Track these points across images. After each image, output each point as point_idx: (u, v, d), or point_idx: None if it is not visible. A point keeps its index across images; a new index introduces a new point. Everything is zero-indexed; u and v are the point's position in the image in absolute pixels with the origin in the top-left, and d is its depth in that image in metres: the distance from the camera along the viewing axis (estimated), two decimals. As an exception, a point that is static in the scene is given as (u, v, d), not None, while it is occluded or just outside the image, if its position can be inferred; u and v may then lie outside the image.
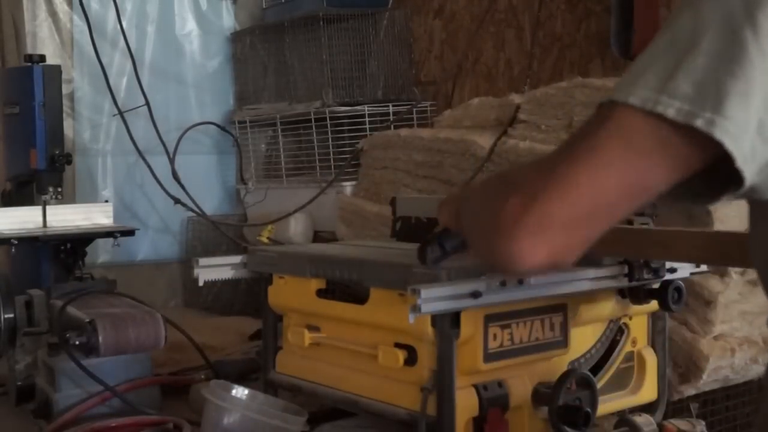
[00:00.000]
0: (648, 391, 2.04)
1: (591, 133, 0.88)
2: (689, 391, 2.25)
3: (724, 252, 1.56)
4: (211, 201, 4.36)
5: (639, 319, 2.02)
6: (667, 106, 0.83)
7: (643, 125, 0.85)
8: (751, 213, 0.99)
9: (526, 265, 0.92)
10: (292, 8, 4.22)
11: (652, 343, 2.06)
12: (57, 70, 3.38)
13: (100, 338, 2.14)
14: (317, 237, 3.86)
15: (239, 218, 4.41)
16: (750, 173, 0.83)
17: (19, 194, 3.26)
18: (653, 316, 2.05)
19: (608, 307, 1.92)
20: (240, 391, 2.00)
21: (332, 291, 1.97)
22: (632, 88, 0.85)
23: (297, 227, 3.85)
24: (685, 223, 2.20)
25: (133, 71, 3.84)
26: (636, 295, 1.90)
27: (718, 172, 0.86)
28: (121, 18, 3.88)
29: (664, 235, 1.69)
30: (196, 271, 2.13)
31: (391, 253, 2.05)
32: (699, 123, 0.82)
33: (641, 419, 1.93)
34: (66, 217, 2.85)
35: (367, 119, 3.84)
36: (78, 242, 2.67)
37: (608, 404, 1.95)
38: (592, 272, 1.79)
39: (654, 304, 1.93)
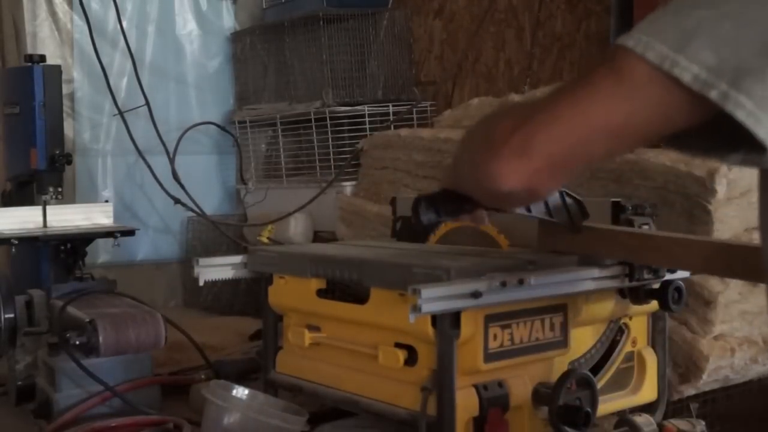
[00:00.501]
0: (648, 391, 2.04)
1: (591, 72, 0.88)
2: (689, 391, 2.25)
3: (726, 263, 1.53)
4: (211, 201, 4.36)
5: (639, 319, 2.03)
6: (684, 70, 0.82)
7: (650, 79, 0.84)
8: (762, 181, 0.97)
9: (503, 185, 0.95)
10: (292, 8, 4.22)
11: (652, 343, 2.06)
12: (57, 70, 3.39)
13: (101, 338, 2.14)
14: (317, 237, 3.86)
15: (239, 218, 4.41)
16: None
17: (19, 194, 3.26)
18: (653, 316, 2.05)
19: (608, 307, 1.92)
20: (240, 391, 2.00)
21: (332, 291, 1.97)
22: (650, 41, 0.84)
23: (297, 227, 3.85)
24: (685, 222, 2.20)
25: (133, 71, 3.84)
26: (636, 295, 1.90)
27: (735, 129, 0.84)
28: (121, 18, 3.88)
29: (664, 242, 1.68)
30: (196, 271, 2.13)
31: (391, 253, 2.05)
32: (713, 95, 0.81)
33: (641, 419, 1.93)
34: (66, 217, 2.85)
35: (367, 119, 3.84)
36: (78, 242, 2.67)
37: (608, 404, 1.95)
38: (592, 272, 1.79)
39: (654, 304, 1.93)
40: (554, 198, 1.69)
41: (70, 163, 3.27)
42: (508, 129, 0.94)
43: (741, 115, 0.81)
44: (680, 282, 1.91)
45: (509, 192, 0.97)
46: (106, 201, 3.30)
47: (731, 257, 1.53)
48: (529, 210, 1.62)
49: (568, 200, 1.73)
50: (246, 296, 3.84)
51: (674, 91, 0.83)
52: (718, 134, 0.86)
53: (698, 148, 0.91)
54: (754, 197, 1.07)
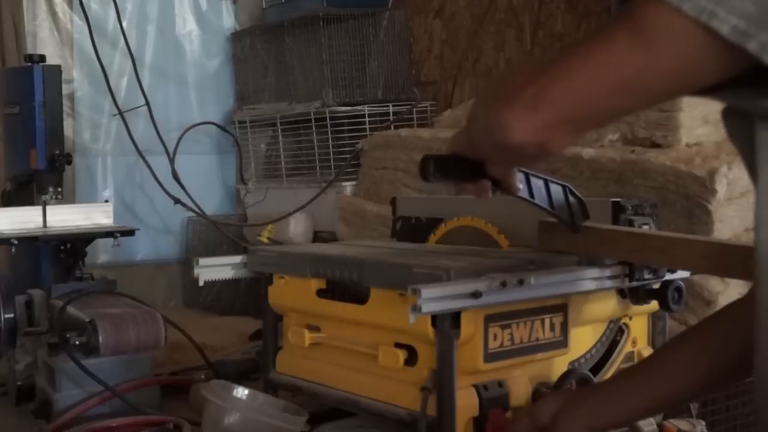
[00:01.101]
0: (648, 391, 2.04)
1: (609, 25, 0.87)
2: (689, 391, 2.25)
3: (726, 263, 1.53)
4: (211, 201, 4.36)
5: (639, 319, 2.02)
6: (723, 22, 0.80)
7: (683, 32, 0.82)
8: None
9: (514, 137, 0.94)
10: (292, 8, 4.22)
11: (653, 344, 2.06)
12: (57, 70, 3.38)
13: (101, 338, 2.14)
14: (317, 237, 3.86)
15: (239, 218, 4.41)
16: None
17: (19, 194, 3.25)
18: (653, 316, 2.05)
19: (608, 307, 1.93)
20: (240, 391, 2.00)
21: (332, 291, 1.97)
22: None
23: (297, 227, 3.85)
24: (685, 222, 2.20)
25: (133, 71, 3.84)
26: (636, 295, 1.90)
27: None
28: (121, 18, 3.88)
29: (665, 242, 1.68)
30: (196, 271, 2.13)
31: (391, 253, 2.05)
32: (752, 46, 0.80)
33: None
34: (66, 217, 2.84)
35: (367, 119, 3.84)
36: (78, 242, 2.67)
37: (608, 404, 1.95)
38: (592, 272, 1.79)
39: (654, 304, 1.93)
40: (557, 192, 1.69)
41: (70, 163, 3.26)
42: (523, 81, 0.94)
43: None
44: (680, 282, 1.91)
45: (519, 144, 0.96)
46: (106, 201, 3.30)
47: (731, 257, 1.53)
48: (532, 196, 1.61)
49: (572, 198, 1.73)
50: (246, 296, 3.84)
51: (709, 45, 0.81)
52: (747, 84, 0.85)
53: (722, 95, 0.90)
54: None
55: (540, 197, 1.64)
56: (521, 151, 0.98)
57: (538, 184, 1.63)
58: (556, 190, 1.68)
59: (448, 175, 1.31)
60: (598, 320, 1.95)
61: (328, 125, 3.85)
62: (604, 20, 1.01)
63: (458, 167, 1.26)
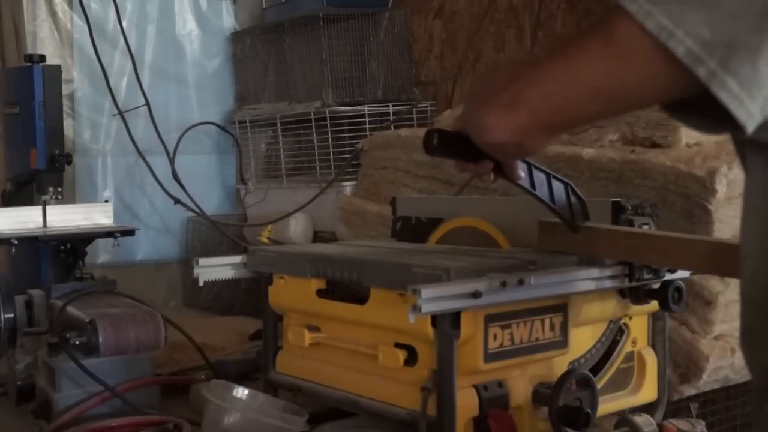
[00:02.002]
0: (648, 391, 2.04)
1: (584, 33, 0.89)
2: (689, 391, 2.25)
3: (727, 263, 1.54)
4: (211, 201, 4.36)
5: (639, 319, 2.03)
6: (679, 43, 0.82)
7: (645, 48, 0.84)
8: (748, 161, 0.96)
9: (494, 137, 0.99)
10: (292, 8, 4.22)
11: (652, 343, 2.06)
12: (57, 70, 3.38)
13: (101, 338, 2.14)
14: (317, 237, 3.86)
15: (239, 218, 4.41)
16: (755, 123, 0.82)
17: (19, 194, 3.25)
18: (653, 316, 2.05)
19: (608, 307, 1.93)
20: (240, 391, 2.00)
21: (332, 291, 1.97)
22: (652, 10, 0.83)
23: (297, 227, 3.85)
24: (685, 222, 2.20)
25: (133, 71, 3.84)
26: (636, 295, 1.90)
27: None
28: (121, 18, 3.88)
29: (664, 241, 1.68)
30: (196, 271, 2.13)
31: (391, 253, 2.05)
32: (701, 72, 0.81)
33: (641, 419, 1.93)
34: (66, 217, 2.85)
35: (367, 119, 3.84)
36: (78, 242, 2.67)
37: (608, 404, 1.95)
38: (592, 272, 1.79)
39: (654, 304, 1.93)
40: (559, 189, 1.69)
41: (70, 163, 3.26)
42: (502, 82, 0.97)
43: (724, 97, 0.81)
44: (680, 282, 1.91)
45: (499, 143, 1.01)
46: (106, 201, 3.30)
47: (730, 256, 1.52)
48: (533, 186, 1.60)
49: (573, 197, 1.73)
50: (246, 296, 3.84)
51: (668, 63, 0.83)
52: (708, 105, 0.86)
53: (688, 117, 0.92)
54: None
55: (541, 191, 1.63)
56: (501, 149, 1.04)
57: (540, 177, 1.62)
58: (558, 187, 1.68)
59: (451, 150, 1.32)
60: (598, 320, 1.95)
61: (328, 125, 3.85)
62: (581, 26, 1.04)
63: (461, 145, 1.27)
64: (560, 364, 1.84)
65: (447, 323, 1.63)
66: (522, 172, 1.46)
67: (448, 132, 1.30)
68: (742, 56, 0.81)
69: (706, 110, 0.86)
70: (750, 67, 0.81)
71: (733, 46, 0.81)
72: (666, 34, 0.82)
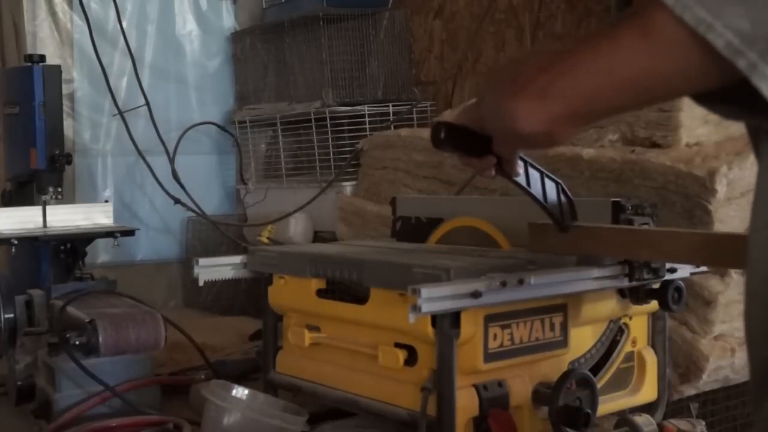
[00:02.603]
0: (648, 391, 2.04)
1: (619, 24, 0.89)
2: (689, 391, 2.25)
3: (712, 253, 1.58)
4: (211, 201, 4.36)
5: (639, 319, 2.03)
6: (718, 36, 0.82)
7: (683, 41, 0.84)
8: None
9: (523, 125, 0.98)
10: (292, 8, 4.22)
11: (652, 343, 2.06)
12: (57, 70, 3.38)
13: (101, 338, 2.14)
14: (317, 237, 3.86)
15: (239, 218, 4.41)
16: None
17: (19, 194, 3.25)
18: (653, 316, 2.05)
19: (608, 307, 1.93)
20: (240, 391, 2.00)
21: (332, 291, 1.97)
22: (689, 2, 0.83)
23: (297, 227, 3.85)
24: (685, 222, 2.20)
25: (133, 71, 3.84)
26: (636, 295, 1.90)
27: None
28: (121, 18, 3.88)
29: (652, 236, 1.70)
30: (196, 271, 2.13)
31: (391, 253, 2.05)
32: (742, 64, 0.82)
33: (641, 419, 1.93)
34: (66, 217, 2.85)
35: (367, 119, 3.84)
36: (78, 242, 2.67)
37: (608, 404, 1.95)
38: (592, 272, 1.79)
39: (654, 304, 1.93)
40: (551, 188, 1.69)
41: (70, 163, 3.26)
42: (533, 71, 0.97)
43: (765, 88, 0.82)
44: (680, 282, 1.91)
45: (528, 133, 0.99)
46: (106, 201, 3.29)
47: (716, 247, 1.58)
48: (528, 185, 1.61)
49: (563, 197, 1.74)
50: (246, 296, 3.84)
51: (705, 55, 0.84)
52: (741, 95, 0.86)
53: (712, 104, 0.92)
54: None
55: (535, 189, 1.65)
56: (528, 139, 1.01)
57: (534, 175, 1.64)
58: (551, 185, 1.69)
59: (457, 144, 1.32)
60: (598, 320, 1.95)
61: (328, 125, 3.85)
62: (608, 19, 1.09)
63: (467, 139, 1.28)
64: (560, 364, 1.84)
65: (447, 323, 1.63)
66: (520, 169, 1.48)
67: (455, 125, 1.30)
68: None
69: (734, 99, 0.87)
70: None
71: None
72: (704, 27, 0.83)
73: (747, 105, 0.86)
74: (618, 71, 0.90)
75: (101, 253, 4.01)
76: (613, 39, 0.90)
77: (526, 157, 1.56)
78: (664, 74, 0.87)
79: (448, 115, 3.34)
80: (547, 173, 1.66)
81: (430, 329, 1.67)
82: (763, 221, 0.96)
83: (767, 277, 0.94)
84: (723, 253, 1.56)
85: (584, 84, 0.93)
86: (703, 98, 0.92)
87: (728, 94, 0.87)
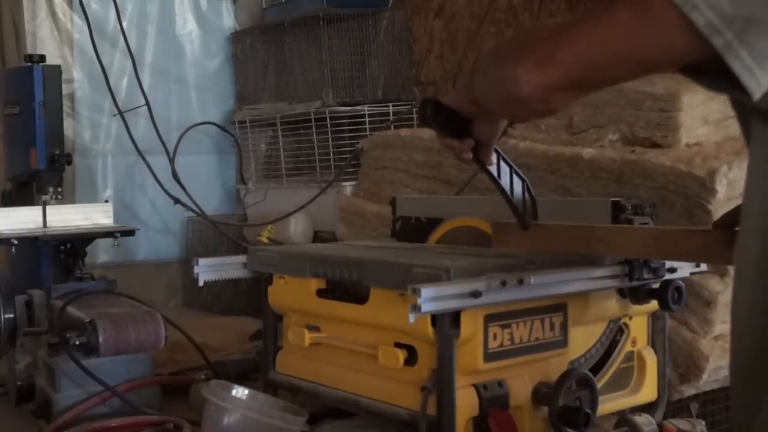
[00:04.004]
0: (648, 391, 2.04)
1: (615, 3, 0.96)
2: (689, 391, 2.25)
3: (660, 246, 1.66)
4: (211, 201, 4.36)
5: (639, 319, 2.03)
6: (701, 15, 0.88)
7: (669, 17, 0.90)
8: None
9: (522, 89, 1.05)
10: (292, 8, 4.22)
11: (652, 343, 2.06)
12: (57, 70, 3.38)
13: (100, 338, 2.14)
14: (317, 237, 3.86)
15: (239, 218, 4.41)
16: (760, 94, 0.89)
17: (19, 194, 3.26)
18: (653, 316, 2.05)
19: (608, 307, 1.93)
20: (240, 391, 2.00)
21: (332, 291, 1.97)
22: None
23: (297, 227, 3.85)
24: (685, 222, 2.20)
25: (133, 71, 3.84)
26: (636, 294, 1.90)
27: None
28: (121, 18, 3.88)
29: (607, 232, 1.74)
30: (196, 271, 2.13)
31: (391, 253, 2.05)
32: (718, 42, 0.88)
33: (641, 419, 1.93)
34: (66, 217, 2.85)
35: (367, 119, 3.84)
36: (78, 242, 2.67)
37: (608, 404, 1.95)
38: (592, 272, 1.79)
39: (654, 304, 1.93)
40: (518, 184, 1.72)
41: (70, 163, 3.26)
42: (536, 41, 1.03)
43: (737, 67, 0.88)
44: (680, 282, 1.91)
45: (526, 97, 1.05)
46: (106, 201, 3.29)
47: (666, 241, 1.65)
48: (498, 176, 1.65)
49: (527, 195, 1.75)
50: (246, 296, 3.84)
51: (689, 33, 0.90)
52: (720, 68, 0.92)
53: (698, 76, 0.98)
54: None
55: (504, 182, 1.69)
56: (527, 104, 1.07)
57: (505, 168, 1.68)
58: (518, 182, 1.72)
59: (442, 123, 1.38)
60: (598, 320, 1.95)
61: (328, 125, 3.85)
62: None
63: (451, 120, 1.35)
64: (560, 363, 1.84)
65: (447, 323, 1.63)
66: (493, 158, 1.54)
67: (442, 105, 1.36)
68: (758, 30, 0.87)
69: (717, 72, 0.92)
70: (764, 41, 0.87)
71: (751, 21, 0.87)
72: (689, 6, 0.88)
73: (734, 79, 0.90)
74: (611, 45, 0.96)
75: (101, 253, 4.01)
76: (609, 15, 0.96)
77: (500, 150, 1.60)
78: (653, 49, 0.94)
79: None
80: (517, 170, 1.70)
81: (430, 329, 1.67)
82: (754, 206, 1.00)
83: (758, 261, 0.97)
84: (672, 246, 1.64)
85: (581, 55, 0.99)
86: (691, 70, 0.97)
87: (716, 67, 0.91)
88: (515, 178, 1.70)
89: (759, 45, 0.87)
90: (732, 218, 1.43)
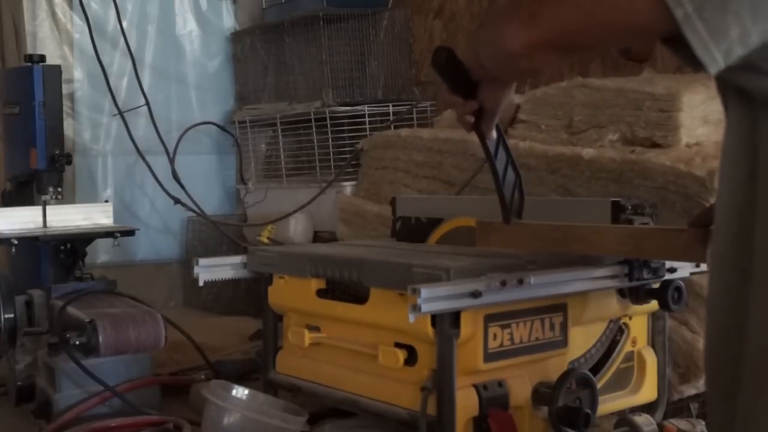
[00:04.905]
0: (648, 391, 2.04)
1: None
2: (689, 391, 2.25)
3: (637, 245, 1.70)
4: (211, 201, 4.36)
5: (639, 318, 2.03)
6: None
7: None
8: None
9: (507, 44, 1.11)
10: (292, 8, 4.22)
11: (652, 343, 2.06)
12: (57, 70, 3.38)
13: (100, 338, 2.14)
14: (317, 237, 3.86)
15: (239, 218, 4.41)
16: (718, 68, 0.91)
17: (19, 194, 3.25)
18: (653, 316, 2.05)
19: (608, 307, 1.93)
20: (240, 391, 2.00)
21: (332, 291, 1.97)
22: None
23: (297, 227, 3.84)
24: (686, 222, 2.20)
25: (134, 71, 3.83)
26: (636, 294, 1.90)
27: None
28: (121, 18, 3.88)
29: (584, 231, 1.76)
30: (196, 271, 2.13)
31: (391, 253, 2.05)
32: (678, 14, 0.90)
33: (641, 419, 1.93)
34: (66, 217, 2.85)
35: (367, 119, 3.84)
36: (78, 242, 2.67)
37: (608, 404, 1.95)
38: (592, 272, 1.79)
39: (654, 304, 1.93)
40: (511, 176, 1.73)
41: (70, 163, 3.26)
42: (525, 4, 1.09)
43: (693, 40, 0.90)
44: (680, 282, 1.91)
45: (511, 52, 1.11)
46: (106, 201, 3.29)
47: (642, 239, 1.70)
48: (495, 157, 1.68)
49: (517, 192, 1.75)
50: (246, 296, 3.84)
51: (658, 3, 0.92)
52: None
53: (677, 49, 0.99)
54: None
55: (500, 166, 1.69)
56: (513, 60, 1.13)
57: (503, 156, 1.68)
58: (511, 174, 1.72)
59: (452, 74, 1.41)
60: (598, 320, 1.95)
61: (328, 125, 3.85)
62: None
63: (461, 75, 1.38)
64: (560, 363, 1.84)
65: (447, 323, 1.63)
66: (494, 135, 1.59)
67: (456, 56, 1.40)
68: (714, 5, 0.89)
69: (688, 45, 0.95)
70: (719, 16, 0.89)
71: None
72: None
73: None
74: (588, 11, 1.01)
75: (101, 253, 4.01)
76: None
77: (503, 135, 1.63)
78: (623, 16, 0.97)
79: (448, 116, 3.34)
80: (514, 161, 1.71)
81: (430, 329, 1.67)
82: (728, 182, 1.02)
83: (732, 240, 1.00)
84: (647, 244, 1.69)
85: (561, 16, 1.04)
86: (671, 42, 0.99)
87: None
88: (510, 169, 1.71)
89: (715, 20, 0.89)
90: (707, 217, 1.45)
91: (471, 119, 1.47)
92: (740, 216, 0.99)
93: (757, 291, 0.97)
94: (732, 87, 1.01)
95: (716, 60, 0.91)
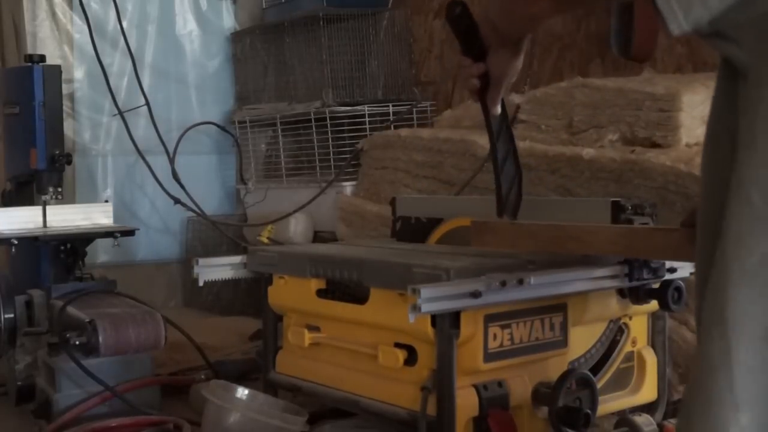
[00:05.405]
0: (648, 391, 2.04)
1: None
2: (689, 391, 2.24)
3: (628, 244, 1.71)
4: (211, 201, 4.36)
5: (639, 319, 2.03)
6: None
7: None
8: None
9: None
10: (292, 8, 4.22)
11: (652, 343, 2.06)
12: (57, 70, 3.38)
13: (100, 338, 2.14)
14: (317, 237, 3.86)
15: (239, 218, 4.41)
16: (682, 29, 0.94)
17: (19, 194, 3.25)
18: (653, 316, 2.05)
19: (608, 307, 1.93)
20: (240, 391, 2.00)
21: (332, 291, 1.97)
22: None
23: (297, 227, 3.84)
24: (685, 223, 2.20)
25: (134, 71, 3.83)
26: (636, 294, 1.90)
27: None
28: (121, 18, 3.87)
29: (578, 230, 1.77)
30: (196, 271, 2.14)
31: (391, 253, 2.05)
32: None
33: (641, 419, 1.94)
34: (66, 217, 2.85)
35: (367, 119, 3.84)
36: (78, 242, 2.67)
37: (608, 404, 1.95)
38: (592, 272, 1.79)
39: (654, 304, 1.94)
40: (511, 169, 1.73)
41: (70, 163, 3.26)
42: None
43: (661, 3, 0.94)
44: (680, 282, 1.92)
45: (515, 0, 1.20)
46: (106, 201, 3.29)
47: (633, 239, 1.71)
48: (498, 139, 1.69)
49: (515, 188, 1.76)
50: (246, 296, 3.84)
51: None
52: None
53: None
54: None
55: (501, 151, 1.69)
56: (516, 7, 1.22)
57: (506, 144, 1.69)
58: (511, 167, 1.72)
59: (464, 30, 1.47)
60: (598, 320, 1.95)
61: (328, 125, 3.85)
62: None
63: (473, 34, 1.43)
64: (560, 363, 1.84)
65: (447, 323, 1.63)
66: (498, 109, 1.60)
67: (470, 13, 1.46)
68: None
69: None
70: None
71: None
72: None
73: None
74: None
75: (101, 253, 4.00)
76: None
77: (508, 121, 1.66)
78: None
79: (449, 116, 3.34)
80: (517, 157, 1.71)
81: (430, 329, 1.67)
82: (710, 136, 1.06)
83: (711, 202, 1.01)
84: (638, 244, 1.70)
85: None
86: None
87: None
88: (510, 164, 1.72)
89: None
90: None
91: (476, 83, 1.51)
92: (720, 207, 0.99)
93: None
94: (720, 60, 1.03)
95: (681, 24, 0.93)
